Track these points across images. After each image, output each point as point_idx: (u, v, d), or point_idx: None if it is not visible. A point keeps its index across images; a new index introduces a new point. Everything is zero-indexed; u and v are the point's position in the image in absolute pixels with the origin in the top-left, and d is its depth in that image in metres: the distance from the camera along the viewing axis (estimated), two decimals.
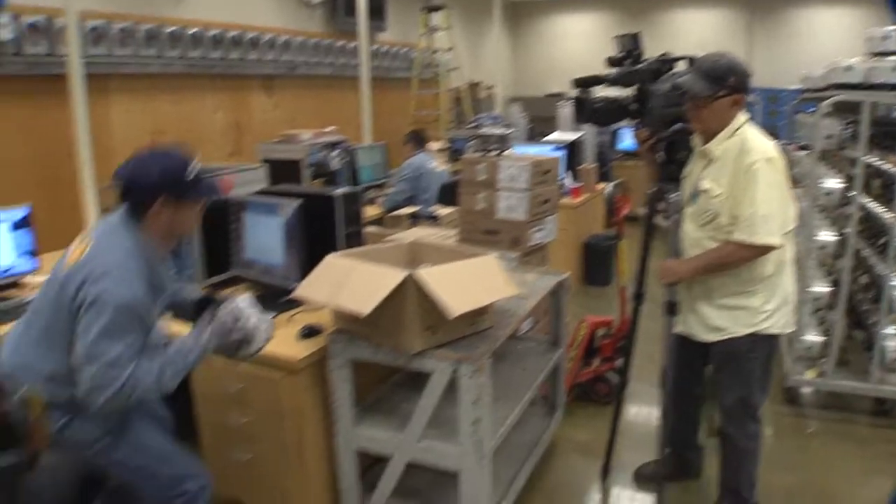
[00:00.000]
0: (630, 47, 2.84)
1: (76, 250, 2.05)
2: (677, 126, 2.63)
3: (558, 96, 10.27)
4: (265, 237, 3.11)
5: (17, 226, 3.27)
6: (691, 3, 12.41)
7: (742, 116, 2.57)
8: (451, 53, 9.43)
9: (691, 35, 11.93)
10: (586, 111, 2.88)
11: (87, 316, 1.93)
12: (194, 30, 6.06)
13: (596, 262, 6.24)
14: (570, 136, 6.41)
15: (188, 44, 5.98)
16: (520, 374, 3.11)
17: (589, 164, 6.59)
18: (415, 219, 4.42)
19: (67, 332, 1.99)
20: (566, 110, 6.60)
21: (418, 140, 6.02)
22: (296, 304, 2.80)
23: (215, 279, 3.31)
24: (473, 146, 3.51)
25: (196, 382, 2.77)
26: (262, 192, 3.31)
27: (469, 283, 2.39)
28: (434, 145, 7.55)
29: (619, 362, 3.92)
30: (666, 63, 2.76)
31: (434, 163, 5.82)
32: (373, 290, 2.27)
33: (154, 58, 5.64)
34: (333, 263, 2.52)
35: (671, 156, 2.73)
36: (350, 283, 2.37)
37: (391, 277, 2.28)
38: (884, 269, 3.60)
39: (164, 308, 2.27)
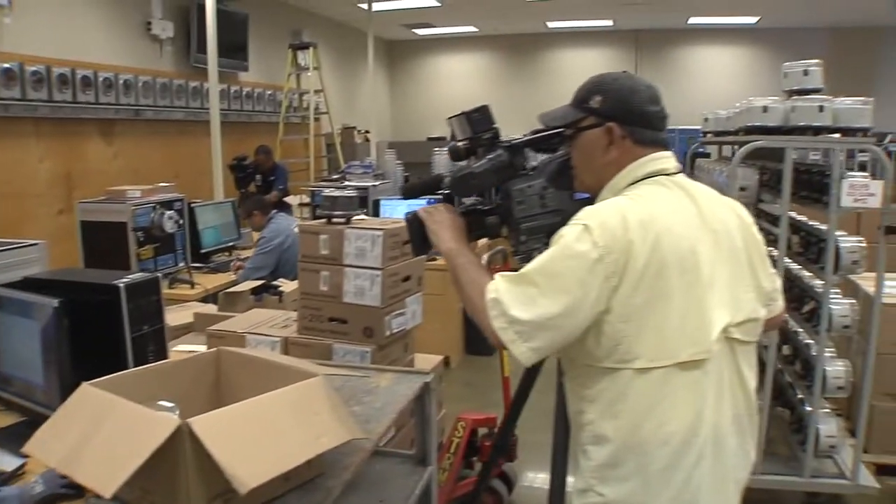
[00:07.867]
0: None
1: None
2: None
3: (440, 140, 9.69)
4: (23, 347, 2.26)
5: None
6: (575, 41, 12.14)
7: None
8: (321, 95, 8.66)
9: (576, 74, 11.58)
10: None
11: None
12: (7, 65, 5.15)
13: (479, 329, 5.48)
14: None
15: (1, 81, 5.08)
16: None
17: None
18: (259, 295, 3.60)
19: None
20: (442, 156, 5.87)
21: (264, 205, 5.12)
22: None
23: None
24: (323, 207, 2.75)
25: None
26: (25, 282, 2.45)
27: (278, 428, 1.62)
28: (294, 199, 6.75)
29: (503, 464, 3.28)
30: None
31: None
32: (126, 452, 1.48)
33: None
34: (87, 398, 1.70)
35: None
36: (102, 433, 1.57)
37: (153, 429, 1.49)
38: (814, 343, 3.08)
39: None
